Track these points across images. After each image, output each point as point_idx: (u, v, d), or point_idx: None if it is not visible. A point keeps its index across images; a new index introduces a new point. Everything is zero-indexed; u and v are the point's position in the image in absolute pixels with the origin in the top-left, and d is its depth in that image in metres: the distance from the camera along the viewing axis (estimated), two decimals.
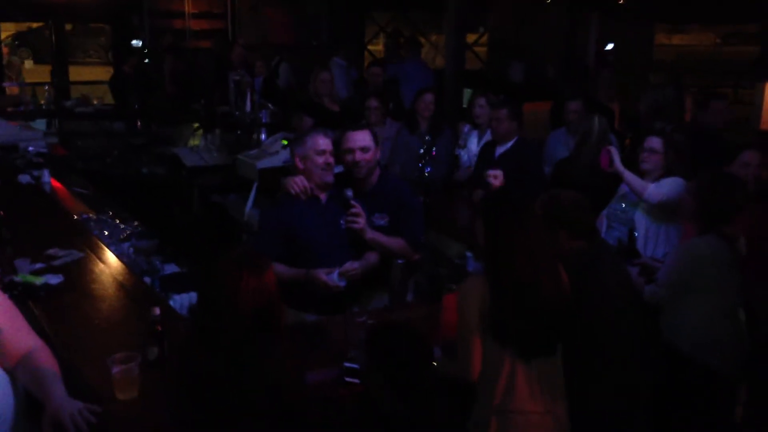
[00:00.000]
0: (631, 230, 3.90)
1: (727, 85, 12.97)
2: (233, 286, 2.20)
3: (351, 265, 3.40)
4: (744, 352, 3.29)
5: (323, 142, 3.56)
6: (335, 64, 8.00)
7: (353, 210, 3.50)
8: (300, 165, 3.58)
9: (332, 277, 3.31)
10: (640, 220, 4.11)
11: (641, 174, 4.14)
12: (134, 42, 10.64)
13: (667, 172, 4.07)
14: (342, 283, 3.32)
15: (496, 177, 4.17)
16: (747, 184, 3.74)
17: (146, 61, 9.57)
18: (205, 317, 2.31)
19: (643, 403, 2.88)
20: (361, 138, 3.65)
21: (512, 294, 2.52)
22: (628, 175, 4.09)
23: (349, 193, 3.53)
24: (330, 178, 3.58)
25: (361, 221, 3.50)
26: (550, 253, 2.62)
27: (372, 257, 3.57)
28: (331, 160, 3.57)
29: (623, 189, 4.30)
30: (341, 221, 3.53)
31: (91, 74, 13.93)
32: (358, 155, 3.62)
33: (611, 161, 4.17)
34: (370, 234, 3.56)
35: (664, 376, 3.22)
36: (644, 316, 2.97)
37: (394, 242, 3.63)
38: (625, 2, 9.64)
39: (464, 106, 6.87)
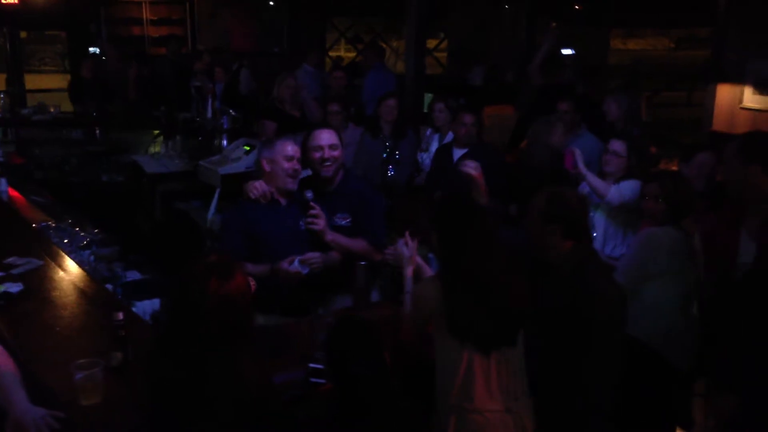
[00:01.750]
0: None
1: (680, 89, 13.30)
2: (201, 291, 2.19)
3: (312, 254, 3.42)
4: (695, 345, 3.40)
5: (292, 149, 3.58)
6: (304, 71, 8.02)
7: (313, 212, 3.51)
8: (266, 167, 3.59)
9: (294, 264, 3.32)
10: (599, 221, 4.21)
11: (602, 175, 4.24)
12: (92, 49, 10.51)
13: (626, 175, 4.18)
14: (304, 270, 3.31)
15: (475, 169, 4.16)
16: (701, 183, 3.89)
17: (103, 59, 9.42)
18: (173, 323, 2.31)
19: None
20: (329, 136, 3.69)
21: (466, 292, 2.58)
22: (591, 177, 4.17)
23: (309, 194, 3.55)
24: (293, 186, 3.59)
25: (321, 222, 3.52)
26: (503, 251, 2.67)
27: (334, 253, 3.59)
28: (297, 166, 3.59)
29: (580, 191, 4.39)
30: (301, 223, 3.54)
31: (47, 82, 13.70)
32: (327, 152, 3.64)
33: (575, 163, 4.24)
34: (330, 236, 3.57)
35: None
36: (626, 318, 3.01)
37: (356, 243, 3.65)
38: (581, 8, 9.82)
39: (425, 110, 6.93)
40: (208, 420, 2.18)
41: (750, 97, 5.99)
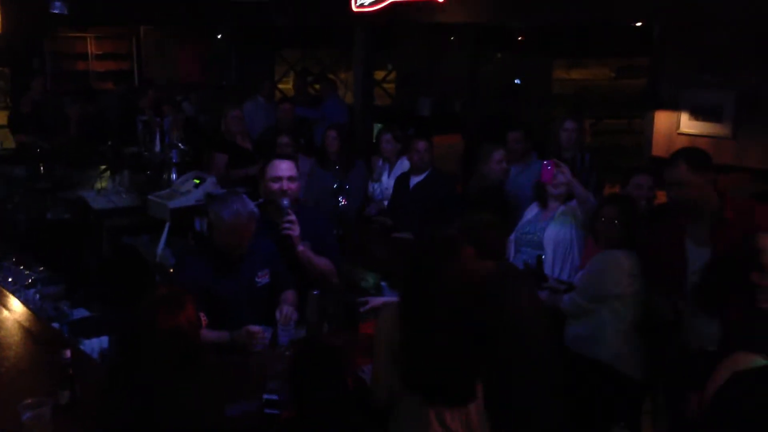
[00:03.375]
0: (539, 256, 4.08)
1: (622, 116, 13.70)
2: (151, 323, 2.18)
3: (290, 312, 3.38)
4: (648, 360, 3.50)
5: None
6: (257, 103, 8.04)
7: (289, 218, 3.57)
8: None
9: (282, 339, 3.30)
10: (548, 243, 4.30)
11: (551, 197, 4.34)
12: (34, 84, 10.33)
13: (569, 195, 4.30)
14: (267, 339, 3.28)
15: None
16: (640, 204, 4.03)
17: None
18: (122, 356, 2.28)
19: (553, 411, 2.99)
20: (288, 167, 3.73)
21: (420, 340, 2.55)
22: (576, 184, 4.20)
23: (285, 202, 3.62)
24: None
25: (296, 229, 3.58)
26: (472, 293, 2.65)
27: (290, 296, 3.57)
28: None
29: (529, 214, 4.49)
30: (257, 279, 3.49)
31: None
32: (286, 184, 3.68)
33: (556, 173, 4.19)
34: (301, 247, 3.62)
35: (576, 385, 3.38)
36: (549, 331, 3.10)
37: (322, 261, 3.72)
38: (524, 39, 10.09)
39: (374, 140, 7.02)
40: None
41: (686, 123, 6.20)
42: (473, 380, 2.64)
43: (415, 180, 5.31)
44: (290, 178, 3.70)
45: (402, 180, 5.46)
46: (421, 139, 5.39)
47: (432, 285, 2.57)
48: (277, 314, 3.38)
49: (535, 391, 2.90)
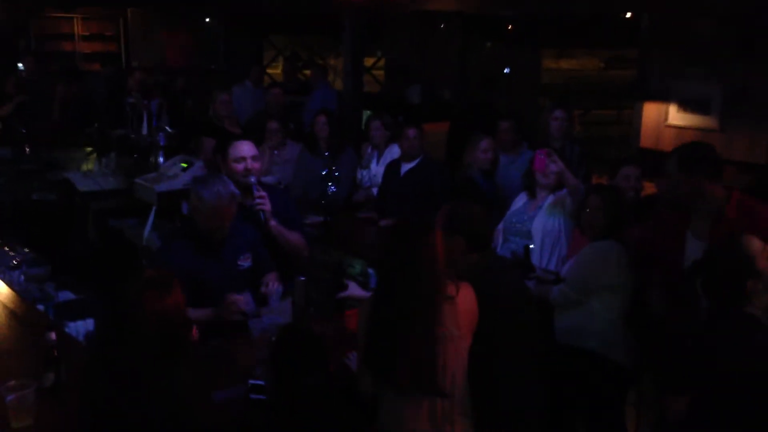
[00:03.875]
0: (527, 246, 4.08)
1: (610, 107, 13.74)
2: (138, 305, 2.17)
3: (274, 285, 3.46)
4: (636, 349, 3.54)
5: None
6: (245, 88, 7.99)
7: (259, 193, 3.71)
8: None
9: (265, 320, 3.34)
10: (537, 233, 4.31)
11: (540, 186, 4.36)
12: (20, 65, 10.22)
13: (558, 186, 4.31)
14: (249, 308, 3.34)
15: None
16: (628, 195, 4.05)
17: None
18: (108, 341, 2.28)
19: (539, 401, 3.02)
20: (250, 147, 3.84)
21: (387, 327, 2.55)
22: (568, 173, 4.21)
23: (252, 179, 3.74)
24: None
25: (268, 203, 3.71)
26: (440, 285, 2.62)
27: (272, 277, 3.59)
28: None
29: (517, 204, 4.50)
30: (239, 262, 3.53)
31: None
32: (250, 163, 3.78)
33: (548, 163, 4.21)
34: (273, 222, 3.74)
35: (563, 374, 3.41)
36: (536, 321, 3.11)
37: (293, 236, 3.87)
38: (513, 28, 10.07)
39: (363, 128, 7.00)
40: (146, 425, 2.15)
41: (674, 115, 6.24)
42: (435, 368, 2.58)
43: (406, 167, 5.31)
44: (253, 158, 3.81)
45: (392, 167, 5.45)
46: (411, 126, 5.38)
47: (399, 271, 2.57)
48: (262, 289, 3.45)
49: (520, 381, 2.91)
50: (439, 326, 2.58)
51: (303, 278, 3.50)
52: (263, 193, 3.74)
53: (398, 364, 2.53)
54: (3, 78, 8.38)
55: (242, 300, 3.30)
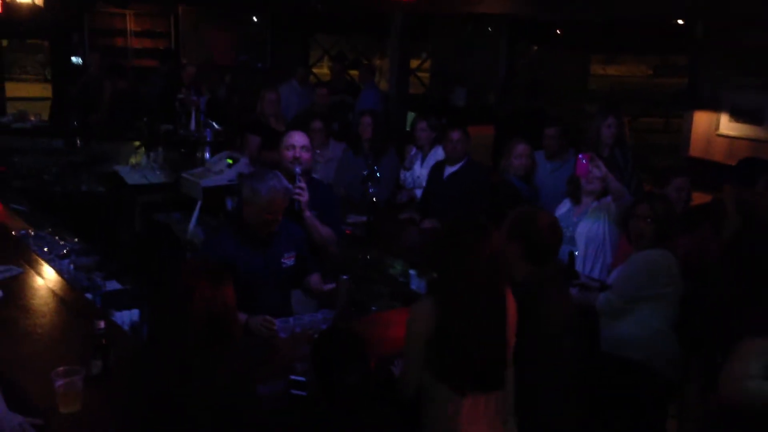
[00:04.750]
0: (571, 252, 4.04)
1: (658, 115, 13.52)
2: (188, 293, 2.20)
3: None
4: (682, 360, 3.49)
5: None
6: (291, 87, 8.06)
7: (300, 184, 3.85)
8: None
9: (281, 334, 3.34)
10: (581, 239, 4.27)
11: (584, 192, 4.32)
12: (74, 59, 10.47)
13: (603, 194, 4.27)
14: (282, 334, 3.34)
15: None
16: (678, 206, 3.99)
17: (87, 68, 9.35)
18: (159, 326, 2.32)
19: (578, 411, 2.98)
20: (302, 138, 4.05)
21: (459, 324, 2.53)
22: (611, 179, 4.17)
23: (298, 169, 3.91)
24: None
25: (306, 195, 3.84)
26: (503, 285, 2.63)
27: (316, 279, 3.63)
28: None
29: (561, 209, 4.46)
30: (283, 261, 3.58)
31: (27, 91, 13.62)
32: (299, 152, 3.98)
33: (591, 168, 4.17)
34: (308, 213, 3.87)
35: (606, 384, 3.37)
36: (577, 332, 3.07)
37: (325, 230, 3.98)
38: (562, 33, 9.98)
39: (408, 129, 7.00)
40: (186, 427, 2.19)
41: (726, 125, 6.13)
42: (504, 365, 2.63)
43: (449, 170, 5.29)
44: (303, 147, 4.00)
45: (437, 169, 5.44)
46: (455, 129, 5.36)
47: (468, 264, 2.53)
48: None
49: (558, 390, 2.87)
50: (505, 326, 2.60)
51: (346, 277, 3.52)
52: (303, 184, 3.89)
53: (468, 365, 2.53)
54: (60, 72, 8.58)
55: (277, 324, 3.31)
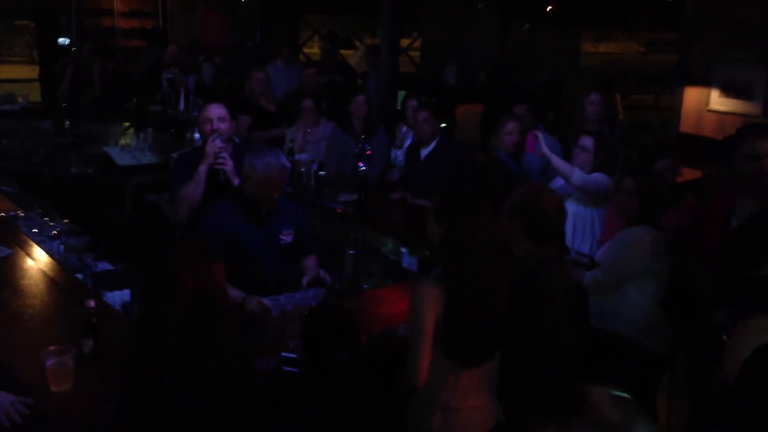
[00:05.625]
0: None
1: (649, 92, 13.52)
2: (177, 270, 2.22)
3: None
4: (671, 334, 3.51)
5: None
6: (276, 67, 7.99)
7: (221, 153, 3.87)
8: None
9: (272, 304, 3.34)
10: (569, 216, 4.27)
11: None
12: (61, 40, 10.36)
13: (594, 170, 4.27)
14: (275, 311, 3.35)
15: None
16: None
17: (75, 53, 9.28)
18: (149, 303, 2.33)
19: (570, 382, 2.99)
20: (217, 110, 4.01)
21: (466, 306, 2.53)
22: (555, 159, 4.25)
23: (219, 141, 3.89)
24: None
25: (230, 163, 3.88)
26: (506, 258, 2.64)
27: (312, 262, 3.66)
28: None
29: (555, 185, 4.46)
30: (281, 237, 3.62)
31: (14, 72, 13.48)
32: (216, 124, 3.96)
33: (536, 145, 4.32)
34: (237, 181, 3.79)
35: (595, 359, 3.38)
36: (574, 309, 3.07)
37: None
38: (552, 10, 9.92)
39: (399, 107, 6.97)
40: (189, 388, 2.20)
41: (716, 100, 6.12)
42: (503, 335, 2.64)
43: (425, 151, 5.25)
44: (220, 119, 3.97)
45: (412, 150, 5.41)
46: (421, 108, 5.30)
47: (473, 225, 2.53)
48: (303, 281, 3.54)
49: (550, 368, 2.87)
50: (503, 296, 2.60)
51: (352, 252, 3.54)
52: (224, 153, 3.90)
53: (477, 338, 2.56)
54: (47, 53, 8.50)
55: (270, 304, 3.33)
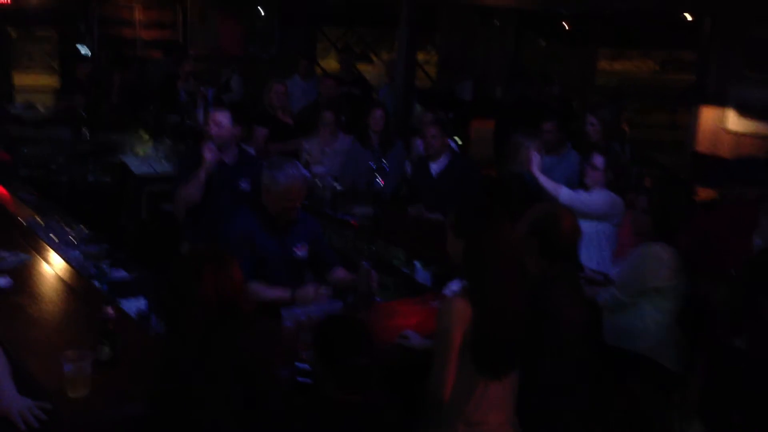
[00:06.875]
0: None
1: (664, 110, 13.49)
2: (195, 274, 2.26)
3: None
4: (687, 351, 3.50)
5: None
6: (294, 81, 8.05)
7: (209, 146, 4.30)
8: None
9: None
10: None
11: (583, 187, 4.35)
12: (81, 48, 10.48)
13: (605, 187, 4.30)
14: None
15: None
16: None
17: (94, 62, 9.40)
18: (171, 312, 2.36)
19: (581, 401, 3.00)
20: (217, 115, 4.43)
21: (495, 316, 2.55)
22: (542, 178, 4.34)
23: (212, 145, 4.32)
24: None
25: (214, 153, 4.32)
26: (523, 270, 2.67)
27: (341, 273, 3.71)
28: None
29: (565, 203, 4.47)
30: (295, 250, 3.66)
31: (34, 80, 13.64)
32: (214, 129, 4.36)
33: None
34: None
35: (610, 377, 3.38)
36: (592, 330, 3.07)
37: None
38: (569, 27, 9.95)
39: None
40: (211, 393, 2.24)
41: (733, 120, 6.10)
42: (522, 347, 2.66)
43: (437, 167, 5.23)
44: (217, 124, 4.38)
45: (420, 164, 5.40)
46: (431, 125, 5.31)
47: (495, 237, 2.57)
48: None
49: (564, 383, 2.88)
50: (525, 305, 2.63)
51: (367, 264, 3.55)
52: (211, 146, 4.30)
53: (505, 349, 2.58)
54: (68, 62, 8.59)
55: (282, 313, 3.34)
